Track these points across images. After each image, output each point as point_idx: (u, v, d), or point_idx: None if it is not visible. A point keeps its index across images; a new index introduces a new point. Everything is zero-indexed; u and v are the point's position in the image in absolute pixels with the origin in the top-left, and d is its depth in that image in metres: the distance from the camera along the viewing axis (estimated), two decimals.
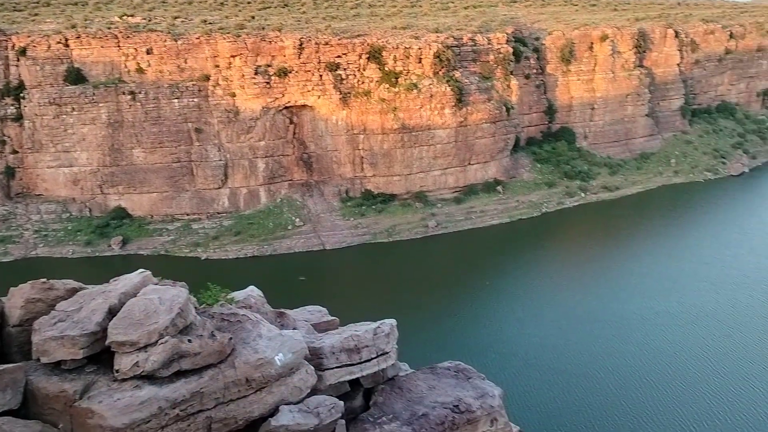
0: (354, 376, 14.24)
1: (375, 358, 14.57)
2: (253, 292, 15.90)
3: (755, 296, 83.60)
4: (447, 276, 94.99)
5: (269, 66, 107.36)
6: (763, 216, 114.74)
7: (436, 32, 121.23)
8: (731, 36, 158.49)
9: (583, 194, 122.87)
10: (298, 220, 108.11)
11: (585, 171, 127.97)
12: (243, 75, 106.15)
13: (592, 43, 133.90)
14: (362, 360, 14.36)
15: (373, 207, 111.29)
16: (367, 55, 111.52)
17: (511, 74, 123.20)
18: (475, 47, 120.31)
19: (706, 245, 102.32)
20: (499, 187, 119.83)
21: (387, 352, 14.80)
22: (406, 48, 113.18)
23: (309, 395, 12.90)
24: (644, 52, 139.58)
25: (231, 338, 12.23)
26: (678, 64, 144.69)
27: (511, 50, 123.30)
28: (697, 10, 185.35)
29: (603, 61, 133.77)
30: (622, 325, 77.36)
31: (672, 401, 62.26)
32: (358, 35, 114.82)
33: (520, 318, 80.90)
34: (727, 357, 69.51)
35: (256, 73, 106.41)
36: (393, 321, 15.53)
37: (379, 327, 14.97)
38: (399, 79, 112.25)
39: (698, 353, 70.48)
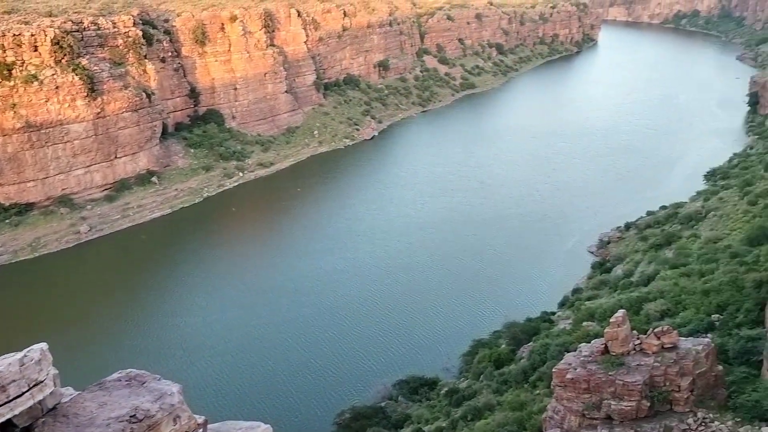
0: (3, 419, 12.00)
1: (27, 391, 12.46)
2: None
3: (402, 240, 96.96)
4: (111, 281, 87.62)
5: None
6: (392, 170, 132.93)
7: (50, 16, 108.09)
8: (345, 15, 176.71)
9: (241, 173, 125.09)
10: None
11: (239, 151, 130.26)
12: None
13: (223, 24, 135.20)
14: (10, 398, 12.16)
15: (7, 221, 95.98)
16: None
17: (146, 58, 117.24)
18: (99, 31, 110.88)
19: (356, 203, 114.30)
20: (154, 178, 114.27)
21: (41, 381, 12.78)
22: (15, 35, 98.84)
23: None
24: (273, 31, 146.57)
25: None
26: (305, 42, 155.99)
27: (140, 33, 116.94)
28: None
29: (236, 41, 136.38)
30: (298, 291, 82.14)
31: (353, 348, 68.88)
32: None
33: (202, 306, 79.51)
34: (390, 296, 79.55)
35: None
36: (43, 345, 13.40)
37: (25, 356, 12.78)
38: (13, 71, 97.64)
39: (366, 299, 79.04)
